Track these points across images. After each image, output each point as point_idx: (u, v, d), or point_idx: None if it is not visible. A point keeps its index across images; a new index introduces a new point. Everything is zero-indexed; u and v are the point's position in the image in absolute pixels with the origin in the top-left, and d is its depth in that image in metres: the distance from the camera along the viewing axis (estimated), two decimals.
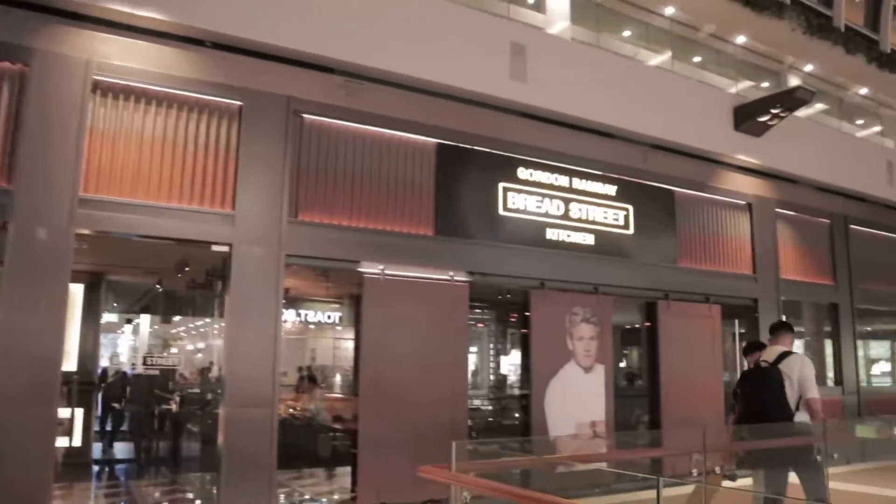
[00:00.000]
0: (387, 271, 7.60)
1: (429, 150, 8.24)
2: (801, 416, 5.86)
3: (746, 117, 10.98)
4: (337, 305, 14.13)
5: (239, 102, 7.07)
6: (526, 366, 8.66)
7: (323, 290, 11.19)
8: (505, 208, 8.58)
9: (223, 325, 7.03)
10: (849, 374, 11.82)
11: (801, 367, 5.90)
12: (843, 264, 12.25)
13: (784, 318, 6.04)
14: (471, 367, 8.96)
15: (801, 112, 11.41)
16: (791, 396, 5.83)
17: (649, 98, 9.76)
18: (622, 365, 13.40)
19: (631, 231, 9.58)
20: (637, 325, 11.07)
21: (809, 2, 12.52)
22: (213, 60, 6.93)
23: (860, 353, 13.20)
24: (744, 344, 7.74)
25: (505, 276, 8.51)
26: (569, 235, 9.00)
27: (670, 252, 10.02)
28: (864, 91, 14.37)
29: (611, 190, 9.52)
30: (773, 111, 10.83)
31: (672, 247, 10.05)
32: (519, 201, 8.69)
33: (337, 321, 14.92)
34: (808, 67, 13.15)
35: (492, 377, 14.23)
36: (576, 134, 9.25)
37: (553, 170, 9.04)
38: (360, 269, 7.55)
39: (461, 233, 8.23)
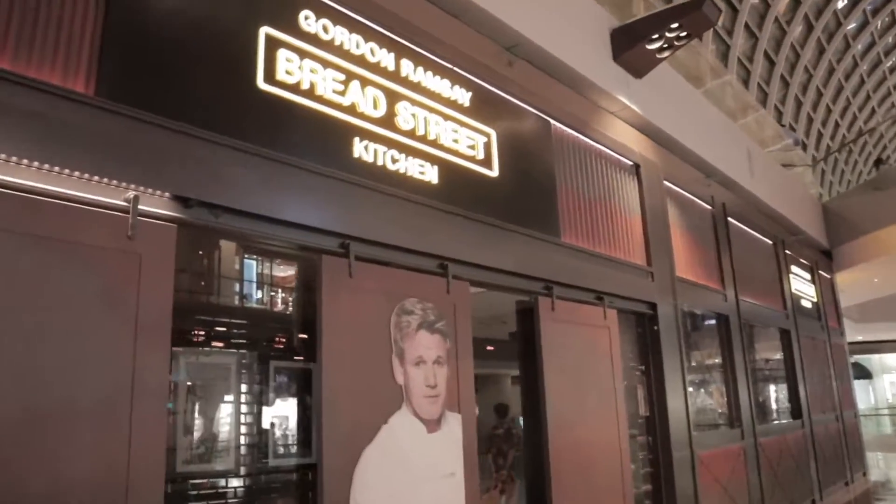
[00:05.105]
0: None
1: None
2: None
3: (629, 42, 7.53)
4: None
5: None
6: (309, 418, 3.99)
7: None
8: (271, 79, 3.97)
9: None
10: (745, 410, 8.62)
11: None
12: (728, 265, 9.22)
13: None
14: (191, 421, 3.87)
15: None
16: None
17: None
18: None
19: (494, 172, 5.46)
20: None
21: None
22: None
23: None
24: None
25: (265, 217, 3.80)
26: (396, 160, 4.63)
27: (551, 219, 6.03)
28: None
29: (464, 96, 5.34)
30: (669, 34, 7.50)
31: (552, 211, 6.08)
32: (301, 72, 4.17)
33: None
34: None
35: (244, 440, 8.10)
36: None
37: (368, 34, 4.66)
38: None
39: (166, 108, 3.47)
